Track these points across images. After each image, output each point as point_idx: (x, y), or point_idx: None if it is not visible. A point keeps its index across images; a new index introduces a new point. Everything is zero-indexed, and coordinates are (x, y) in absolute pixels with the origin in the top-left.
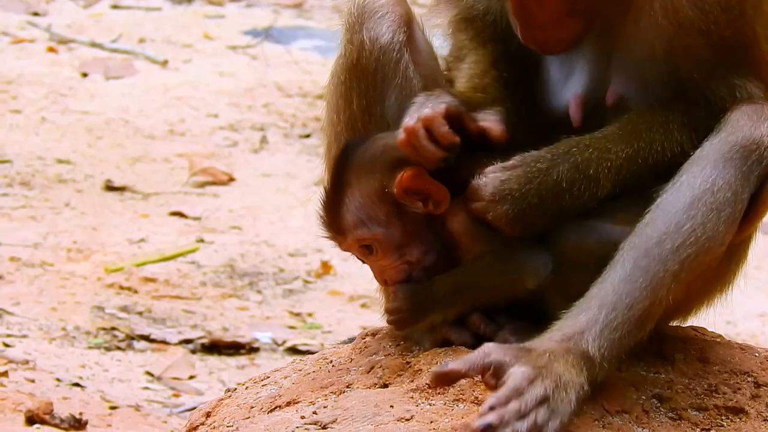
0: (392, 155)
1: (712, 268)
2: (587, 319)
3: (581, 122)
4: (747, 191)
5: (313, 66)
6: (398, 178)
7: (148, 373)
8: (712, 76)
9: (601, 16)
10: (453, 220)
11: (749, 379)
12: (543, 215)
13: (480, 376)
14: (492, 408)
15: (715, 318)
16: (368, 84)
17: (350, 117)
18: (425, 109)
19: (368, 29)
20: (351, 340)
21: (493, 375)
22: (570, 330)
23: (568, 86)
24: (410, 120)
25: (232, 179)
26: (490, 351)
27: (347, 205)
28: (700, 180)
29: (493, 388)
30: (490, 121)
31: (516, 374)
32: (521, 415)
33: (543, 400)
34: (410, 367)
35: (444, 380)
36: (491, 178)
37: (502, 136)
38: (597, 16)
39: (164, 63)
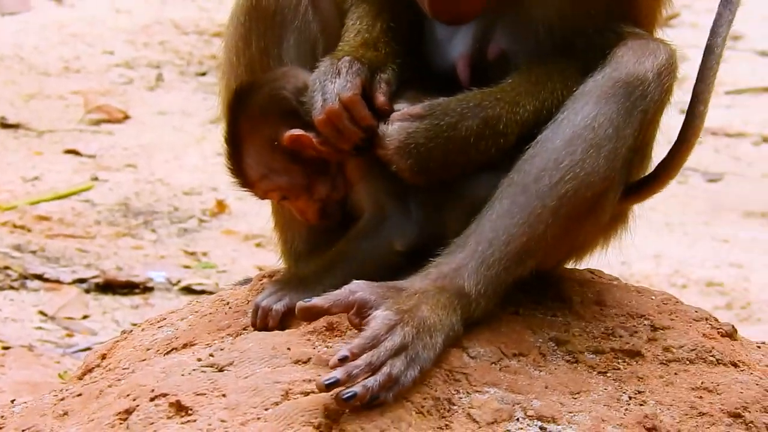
0: (279, 107)
1: (602, 206)
2: (463, 256)
3: (469, 81)
4: (630, 127)
5: (210, 3)
6: (287, 136)
7: (42, 313)
8: (603, 26)
9: None
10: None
11: (645, 322)
12: (447, 169)
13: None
14: (343, 359)
15: (609, 259)
16: (267, 26)
17: (249, 59)
18: (339, 85)
19: None
20: (247, 281)
21: (357, 314)
22: (446, 267)
23: (454, 45)
24: (330, 101)
25: (127, 117)
26: (356, 289)
27: (246, 160)
28: (581, 116)
29: (358, 326)
30: (381, 93)
31: (376, 319)
32: (373, 369)
33: (401, 349)
34: None
35: (307, 315)
36: (397, 127)
37: (388, 108)
38: None
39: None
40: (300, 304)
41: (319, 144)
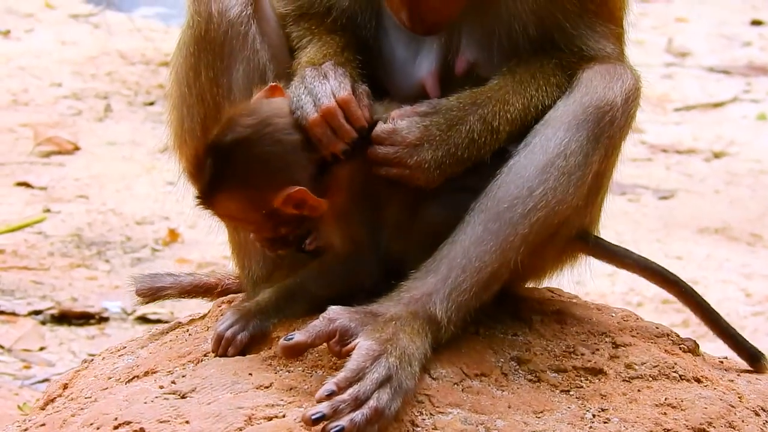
0: (269, 169)
1: (563, 232)
2: (435, 281)
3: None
4: (597, 153)
5: (156, 33)
6: (281, 196)
7: None
8: (577, 24)
9: None
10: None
11: (607, 339)
12: (456, 164)
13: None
14: (330, 394)
15: (564, 279)
16: (215, 56)
17: (200, 89)
18: (331, 85)
19: (216, 1)
20: None
21: (339, 342)
22: (418, 292)
23: (419, 65)
24: (326, 100)
25: (77, 148)
26: (335, 316)
27: (222, 203)
28: (553, 143)
29: (338, 354)
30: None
31: (360, 350)
32: (359, 403)
33: (385, 381)
34: (268, 334)
35: (291, 353)
36: (410, 122)
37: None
38: None
39: (6, 33)
40: (282, 342)
41: (315, 199)
